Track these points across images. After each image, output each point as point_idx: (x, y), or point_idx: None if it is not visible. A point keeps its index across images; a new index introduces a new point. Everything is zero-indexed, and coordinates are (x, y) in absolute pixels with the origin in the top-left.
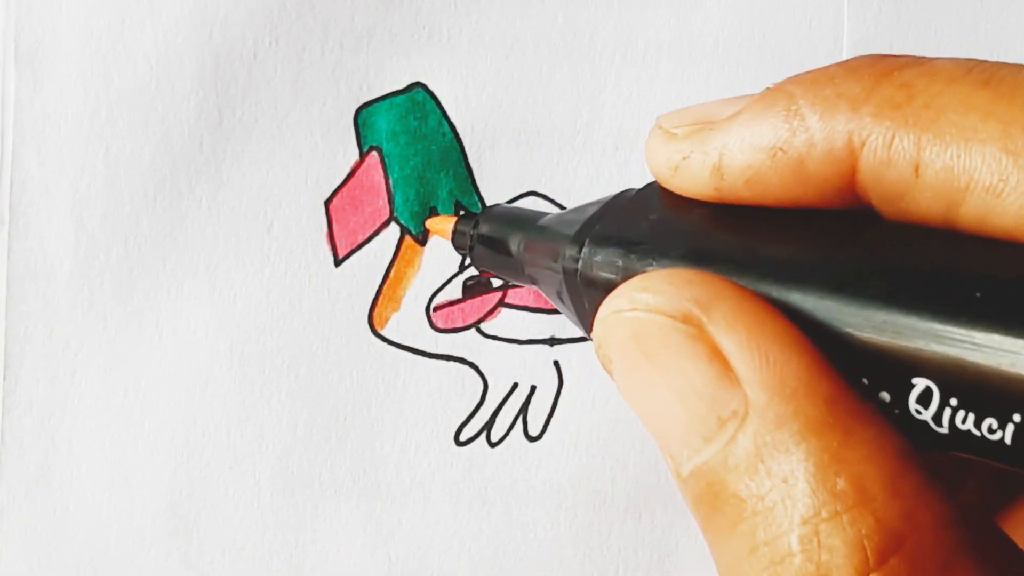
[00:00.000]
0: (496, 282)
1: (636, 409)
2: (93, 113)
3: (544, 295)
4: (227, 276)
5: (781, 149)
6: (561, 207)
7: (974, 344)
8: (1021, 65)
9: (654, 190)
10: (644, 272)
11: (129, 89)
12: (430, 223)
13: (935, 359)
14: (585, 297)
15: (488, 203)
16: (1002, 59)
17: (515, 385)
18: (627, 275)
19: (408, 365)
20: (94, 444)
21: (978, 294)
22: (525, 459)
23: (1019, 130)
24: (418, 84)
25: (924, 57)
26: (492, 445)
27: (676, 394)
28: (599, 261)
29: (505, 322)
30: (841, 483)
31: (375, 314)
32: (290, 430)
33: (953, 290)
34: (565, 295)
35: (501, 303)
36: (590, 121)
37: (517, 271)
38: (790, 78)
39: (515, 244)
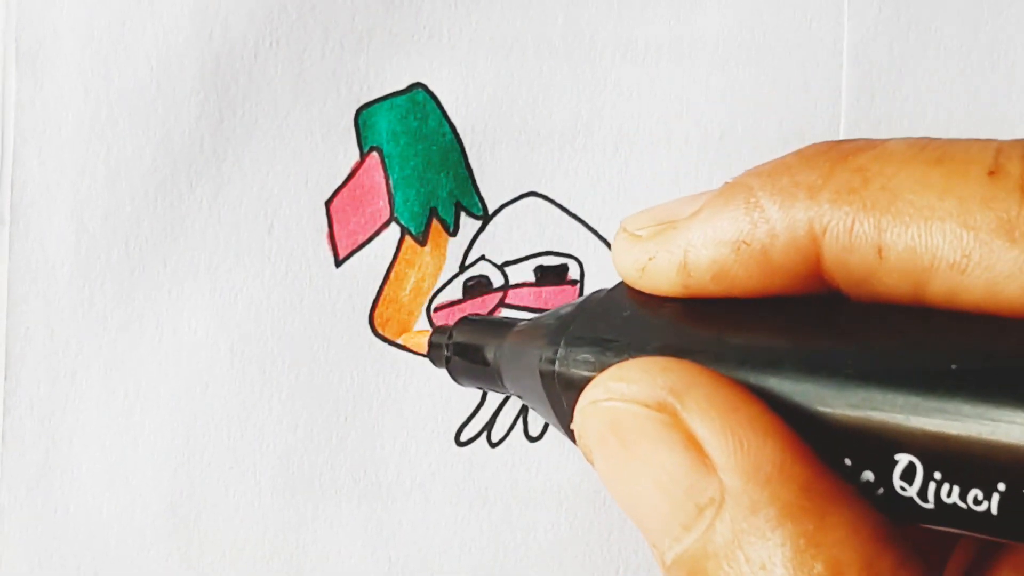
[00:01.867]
0: (496, 282)
1: (618, 499)
2: (94, 113)
3: (524, 402)
4: (228, 277)
5: (744, 242)
6: (561, 207)
7: (953, 415)
8: (970, 140)
9: (624, 289)
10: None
11: (130, 90)
12: (404, 339)
13: (916, 433)
14: (564, 398)
15: (488, 203)
16: (1002, 59)
17: None
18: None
19: (409, 365)
20: (94, 444)
21: (953, 366)
22: (525, 459)
23: (976, 205)
24: (418, 84)
25: (876, 140)
26: (492, 445)
27: (654, 483)
28: (575, 360)
29: None
30: (818, 567)
31: (376, 314)
32: (290, 430)
33: (928, 363)
34: (543, 398)
35: (501, 303)
36: (590, 121)
37: (494, 380)
38: (747, 172)
39: (491, 352)
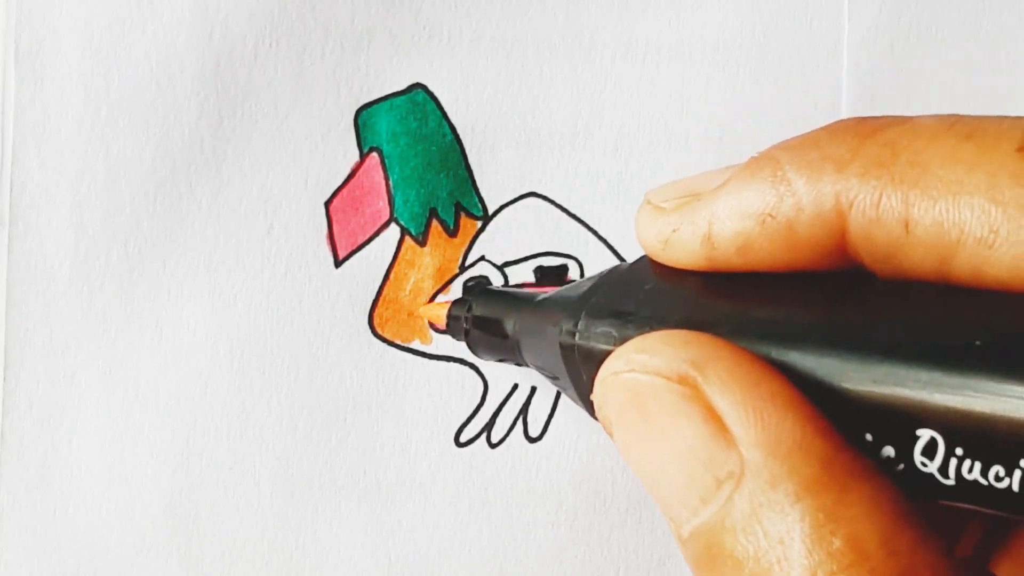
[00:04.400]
0: (496, 283)
1: (636, 471)
2: (93, 114)
3: (542, 375)
4: (227, 277)
5: (770, 215)
6: (561, 207)
7: (977, 392)
8: (1001, 116)
9: (646, 263)
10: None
11: (129, 90)
12: (423, 311)
13: (938, 409)
14: (583, 371)
15: (488, 204)
16: (1003, 58)
17: (515, 386)
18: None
19: (408, 366)
20: (94, 445)
21: (978, 342)
22: (525, 460)
23: (1006, 179)
24: (418, 85)
25: (906, 116)
26: (492, 446)
27: (674, 455)
28: (596, 333)
29: None
30: (837, 542)
31: (375, 315)
32: (290, 431)
33: (952, 340)
34: (563, 371)
35: None
36: (590, 121)
37: (513, 352)
38: (775, 145)
39: (510, 325)
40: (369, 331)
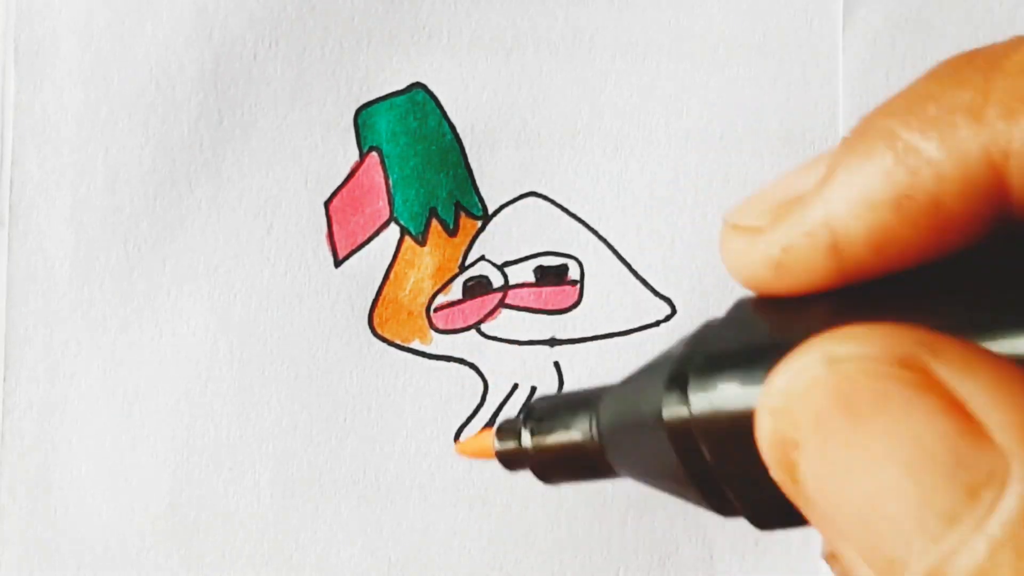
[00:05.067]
0: (496, 282)
1: (838, 506)
2: (93, 114)
3: (649, 485)
4: (227, 277)
5: (907, 196)
6: (561, 207)
7: None
8: None
9: (746, 307)
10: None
11: (129, 90)
12: (462, 448)
13: None
14: (706, 448)
15: (488, 203)
16: None
17: (515, 386)
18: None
19: (408, 366)
20: (94, 445)
21: None
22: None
23: None
24: (418, 85)
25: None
26: None
27: (902, 465)
28: (716, 392)
29: (505, 323)
30: None
31: (375, 315)
32: (290, 431)
33: None
34: (674, 460)
35: (501, 304)
36: (590, 121)
37: (598, 464)
38: (875, 111)
39: (582, 428)
40: (369, 331)
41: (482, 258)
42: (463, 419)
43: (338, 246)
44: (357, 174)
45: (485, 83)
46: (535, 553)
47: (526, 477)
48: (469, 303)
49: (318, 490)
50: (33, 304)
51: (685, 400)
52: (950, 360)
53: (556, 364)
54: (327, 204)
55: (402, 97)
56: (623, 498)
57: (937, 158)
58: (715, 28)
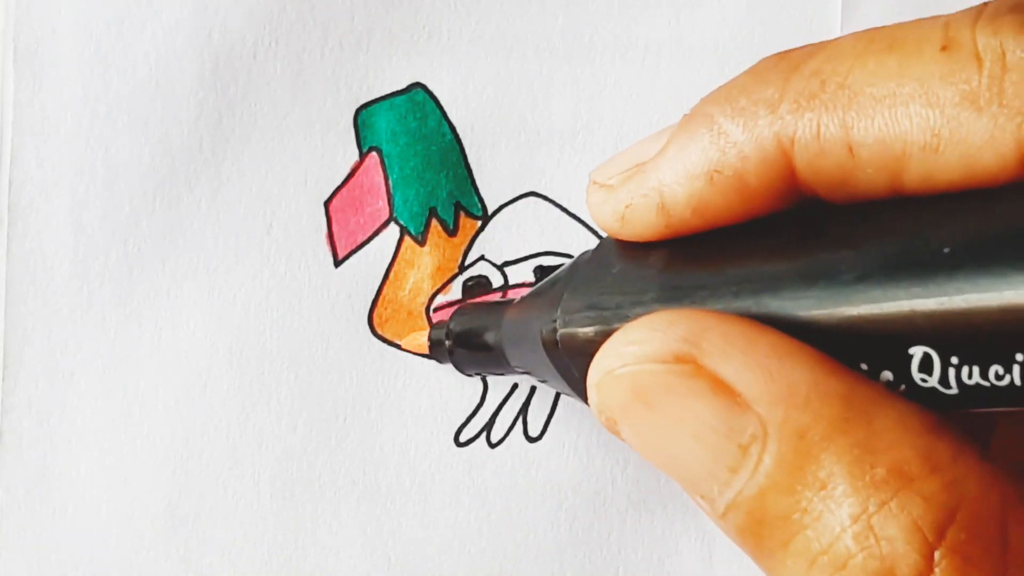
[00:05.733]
0: (496, 282)
1: (654, 461)
2: (92, 114)
3: (534, 377)
4: (226, 277)
5: (716, 171)
6: (561, 207)
7: (957, 296)
8: (916, 20)
9: (609, 244)
10: (622, 325)
11: (128, 90)
12: (405, 342)
13: (924, 322)
14: (572, 365)
15: (488, 203)
16: None
17: (515, 386)
18: (606, 332)
19: (408, 366)
20: (93, 444)
21: (946, 249)
22: (525, 460)
23: (936, 82)
24: (418, 84)
25: (824, 41)
26: (492, 446)
27: (691, 435)
28: (576, 327)
29: None
30: (880, 472)
31: (375, 314)
32: (290, 431)
33: (921, 251)
34: (552, 370)
35: None
36: (590, 121)
37: (500, 362)
38: (704, 99)
39: (491, 335)
40: (369, 331)
41: (482, 258)
42: (463, 419)
43: (338, 246)
44: (357, 174)
45: (485, 83)
46: (535, 553)
47: (526, 477)
48: (469, 303)
49: (318, 490)
50: (32, 304)
51: (554, 330)
52: (711, 349)
53: None
54: (327, 204)
55: (402, 97)
56: (623, 498)
57: (740, 140)
58: (715, 28)
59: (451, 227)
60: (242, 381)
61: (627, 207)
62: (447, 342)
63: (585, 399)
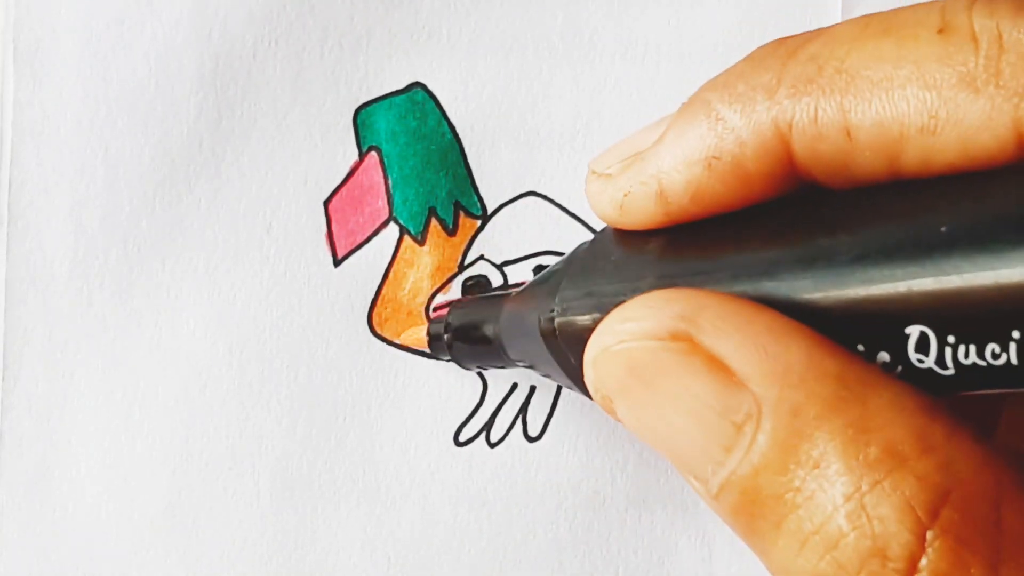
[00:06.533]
0: (495, 282)
1: (649, 440)
2: (92, 113)
3: (534, 369)
4: (226, 276)
5: (714, 157)
6: (561, 207)
7: (953, 275)
8: (913, 5)
9: (608, 234)
10: None
11: (128, 89)
12: (403, 338)
13: (920, 302)
14: (570, 354)
15: (487, 203)
16: None
17: (515, 385)
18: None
19: (408, 365)
20: (93, 444)
21: (943, 228)
22: (525, 459)
23: (933, 64)
24: (417, 84)
25: (821, 28)
26: (492, 445)
27: (686, 413)
28: (574, 315)
29: None
30: (873, 451)
31: (374, 314)
32: (289, 430)
33: (917, 231)
34: (551, 361)
35: None
36: (590, 121)
37: (499, 354)
38: (702, 87)
39: (489, 328)
40: (368, 330)
41: (481, 257)
42: (462, 418)
43: (337, 246)
44: (356, 174)
45: (485, 83)
46: (535, 553)
47: (526, 477)
48: None
49: (317, 490)
50: (32, 303)
51: (552, 320)
52: (707, 327)
53: None
54: (326, 204)
55: (401, 97)
56: (622, 498)
57: (738, 126)
58: (715, 28)
59: (451, 227)
60: (242, 381)
61: (626, 195)
62: (446, 336)
63: (584, 390)
